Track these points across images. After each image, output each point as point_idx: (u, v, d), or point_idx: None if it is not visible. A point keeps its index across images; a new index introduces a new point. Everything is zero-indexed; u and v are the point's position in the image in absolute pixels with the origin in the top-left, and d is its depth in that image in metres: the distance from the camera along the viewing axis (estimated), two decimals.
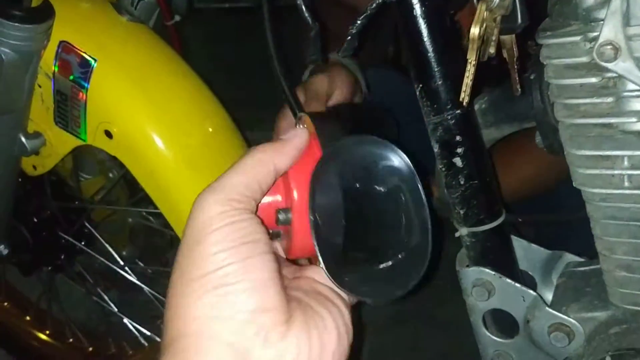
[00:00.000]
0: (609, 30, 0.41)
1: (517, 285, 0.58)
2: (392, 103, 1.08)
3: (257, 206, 0.41)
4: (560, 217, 0.89)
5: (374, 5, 0.47)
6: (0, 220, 0.91)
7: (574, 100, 0.46)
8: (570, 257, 0.63)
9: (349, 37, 0.49)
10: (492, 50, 0.41)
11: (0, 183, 0.84)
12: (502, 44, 0.42)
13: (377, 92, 1.04)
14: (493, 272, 0.59)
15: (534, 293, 0.57)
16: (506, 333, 0.62)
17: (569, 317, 0.55)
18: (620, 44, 0.41)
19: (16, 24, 0.66)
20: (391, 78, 1.13)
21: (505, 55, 0.43)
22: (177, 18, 0.87)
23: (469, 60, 0.40)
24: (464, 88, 0.42)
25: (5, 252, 0.94)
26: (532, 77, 0.54)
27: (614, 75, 0.43)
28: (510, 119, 0.59)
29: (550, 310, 0.56)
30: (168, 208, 0.79)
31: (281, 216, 0.42)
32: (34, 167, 0.85)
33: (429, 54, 0.54)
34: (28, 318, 1.22)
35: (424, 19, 0.53)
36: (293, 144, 0.42)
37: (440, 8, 0.54)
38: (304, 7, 0.47)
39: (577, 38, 0.44)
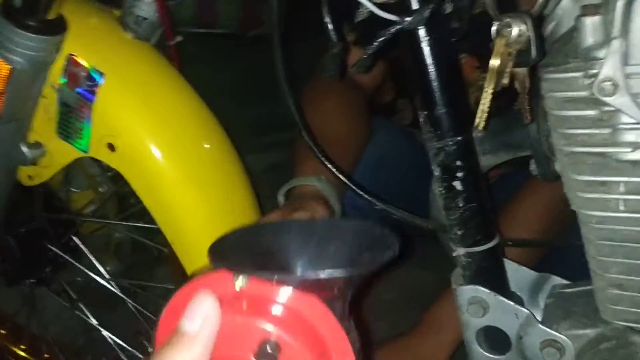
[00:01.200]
0: (609, 68, 0.45)
1: (511, 303, 0.61)
2: (392, 152, 1.14)
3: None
4: (546, 242, 0.93)
5: (392, 30, 0.50)
6: None
7: (572, 130, 0.50)
8: (556, 280, 0.67)
9: (365, 56, 0.52)
10: (505, 81, 0.44)
11: None
12: (515, 75, 0.46)
13: (379, 142, 1.09)
14: (488, 291, 0.62)
15: (527, 311, 0.60)
16: (497, 350, 0.65)
17: (560, 333, 0.58)
18: (618, 81, 0.45)
19: (31, 35, 0.68)
20: (390, 129, 1.20)
21: (517, 86, 0.46)
22: (179, 38, 0.89)
23: (486, 89, 0.44)
24: (479, 114, 0.46)
25: None
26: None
27: (611, 108, 0.47)
28: (507, 147, 0.64)
29: (543, 327, 0.59)
30: (166, 222, 0.80)
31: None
32: (30, 177, 0.86)
33: (434, 84, 0.58)
34: (3, 332, 1.20)
35: (431, 50, 0.57)
36: (202, 343, 0.34)
37: (446, 41, 0.58)
38: (330, 25, 0.50)
39: (577, 74, 0.48)
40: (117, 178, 1.00)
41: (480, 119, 0.45)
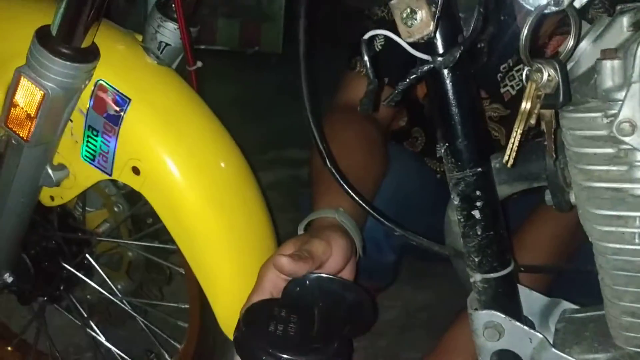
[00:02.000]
0: (628, 110, 0.48)
1: (525, 327, 0.64)
2: (406, 182, 1.17)
3: None
4: (556, 267, 0.97)
5: (424, 69, 0.54)
6: (11, 250, 0.92)
7: (590, 166, 0.53)
8: (566, 305, 0.70)
9: (396, 91, 0.55)
10: (532, 121, 0.48)
11: (21, 213, 0.86)
12: (542, 116, 0.49)
13: (395, 173, 1.13)
14: (504, 316, 0.65)
15: (541, 335, 0.63)
16: None
17: (573, 357, 0.61)
18: (637, 122, 0.48)
19: (66, 62, 0.70)
20: (403, 157, 1.23)
21: (543, 126, 0.50)
22: (200, 64, 0.92)
23: (516, 129, 0.47)
24: (508, 152, 0.49)
25: (10, 280, 0.95)
26: (545, 142, 0.62)
27: (629, 147, 0.50)
28: (523, 178, 0.67)
29: (556, 351, 0.62)
30: (186, 243, 0.82)
31: None
32: (52, 198, 0.88)
33: (456, 117, 0.61)
34: (9, 349, 1.20)
35: (454, 86, 0.60)
36: None
37: (468, 75, 0.62)
38: (368, 64, 0.54)
39: (597, 114, 0.52)
40: (132, 198, 1.02)
41: (509, 156, 0.49)
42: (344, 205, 0.83)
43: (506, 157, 0.49)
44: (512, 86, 1.12)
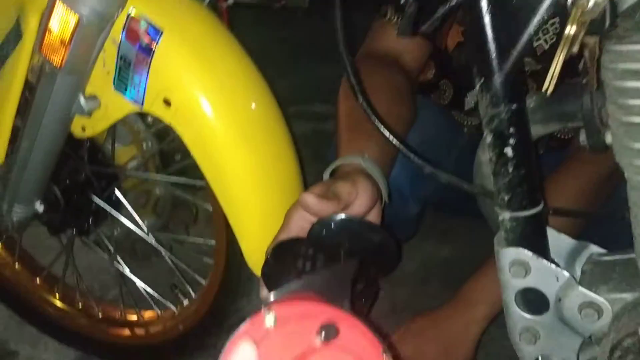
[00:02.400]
0: None
1: (552, 266, 0.64)
2: (433, 134, 1.16)
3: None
4: (586, 212, 0.96)
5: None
6: (43, 178, 0.94)
7: (630, 101, 0.52)
8: (594, 248, 0.70)
9: (436, 16, 0.55)
10: (575, 49, 0.47)
11: (53, 141, 0.87)
12: (585, 45, 0.48)
13: (422, 125, 1.12)
14: (531, 253, 0.65)
15: (567, 274, 0.64)
16: (535, 311, 0.68)
17: (600, 296, 0.61)
18: None
19: None
20: (430, 110, 1.23)
21: (586, 54, 0.49)
22: (231, 1, 0.92)
23: (558, 56, 0.47)
24: (548, 80, 0.49)
25: (41, 209, 0.97)
26: (584, 81, 0.61)
27: None
28: (558, 118, 0.66)
29: (582, 289, 0.62)
30: (214, 177, 0.83)
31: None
32: (83, 129, 0.89)
33: (492, 52, 0.61)
34: (38, 281, 1.24)
35: (491, 18, 0.60)
36: None
37: (505, 11, 0.60)
38: None
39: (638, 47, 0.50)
40: (160, 136, 1.03)
41: (549, 83, 0.48)
42: (370, 152, 0.83)
43: (546, 85, 0.49)
44: (545, 40, 1.09)
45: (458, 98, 1.27)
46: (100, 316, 1.21)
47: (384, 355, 0.44)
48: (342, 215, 0.72)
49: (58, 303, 1.23)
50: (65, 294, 1.24)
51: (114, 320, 1.20)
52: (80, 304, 1.22)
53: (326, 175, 0.84)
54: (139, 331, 1.18)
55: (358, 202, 0.74)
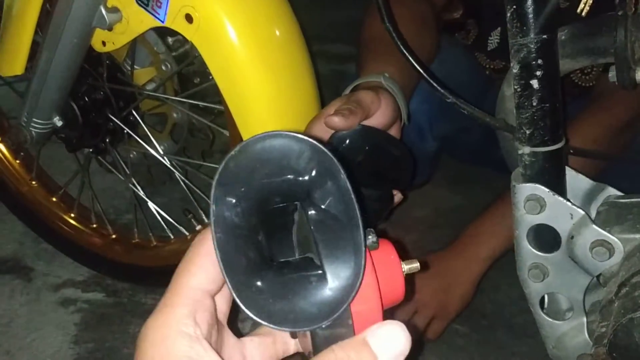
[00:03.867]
0: None
1: (568, 203, 0.64)
2: (455, 72, 1.15)
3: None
4: (606, 154, 0.95)
5: None
6: (62, 93, 0.93)
7: None
8: (612, 191, 0.69)
9: None
10: None
11: (73, 54, 0.86)
12: None
13: (445, 60, 1.11)
14: (547, 190, 0.64)
15: (583, 212, 0.63)
16: (546, 248, 0.67)
17: (613, 235, 0.61)
18: None
19: None
20: (454, 49, 1.22)
21: None
22: None
23: None
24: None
25: (60, 124, 0.98)
26: (619, 13, 0.59)
27: None
28: (588, 52, 0.64)
29: (596, 227, 0.61)
30: (233, 98, 0.83)
31: None
32: (103, 43, 0.88)
33: None
34: (54, 199, 1.26)
35: None
36: (199, 254, 0.37)
37: None
38: None
39: None
40: (180, 59, 1.02)
41: (585, 4, 0.46)
42: (391, 72, 0.82)
43: (582, 6, 0.47)
44: None
45: (482, 38, 1.24)
46: (114, 237, 1.23)
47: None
48: (364, 125, 0.71)
49: (73, 222, 1.25)
50: (81, 214, 1.26)
51: (127, 242, 1.22)
52: (95, 224, 1.24)
53: (347, 91, 0.83)
54: (151, 254, 1.20)
55: (379, 113, 0.74)
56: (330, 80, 2.09)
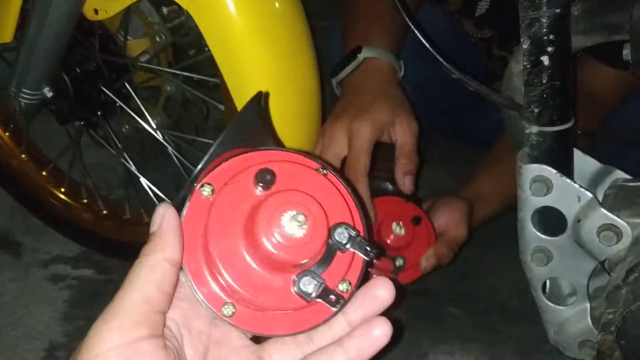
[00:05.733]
0: None
1: (576, 185, 0.62)
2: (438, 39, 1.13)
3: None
4: (618, 135, 0.93)
5: None
6: (52, 62, 0.90)
7: None
8: (619, 174, 0.67)
9: None
10: None
11: (64, 21, 0.83)
12: None
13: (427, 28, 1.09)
14: (554, 171, 0.62)
15: (591, 194, 0.61)
16: (551, 232, 0.66)
17: (621, 219, 0.59)
18: None
19: None
20: (438, 15, 1.20)
21: None
22: None
23: None
24: None
25: (50, 95, 0.94)
26: None
27: None
28: (602, 28, 0.62)
29: (604, 211, 0.60)
30: (229, 69, 0.80)
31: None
32: (96, 12, 0.85)
33: None
34: (45, 174, 1.23)
35: None
36: (168, 232, 0.41)
37: None
38: None
39: None
40: (175, 30, 0.99)
41: None
42: (378, 40, 0.90)
43: None
44: None
45: (470, 4, 1.21)
46: (105, 213, 1.20)
47: (322, 172, 0.43)
48: None
49: (63, 197, 1.22)
50: (71, 189, 1.23)
51: (118, 218, 1.19)
52: (85, 199, 1.21)
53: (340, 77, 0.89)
54: (143, 230, 1.17)
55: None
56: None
